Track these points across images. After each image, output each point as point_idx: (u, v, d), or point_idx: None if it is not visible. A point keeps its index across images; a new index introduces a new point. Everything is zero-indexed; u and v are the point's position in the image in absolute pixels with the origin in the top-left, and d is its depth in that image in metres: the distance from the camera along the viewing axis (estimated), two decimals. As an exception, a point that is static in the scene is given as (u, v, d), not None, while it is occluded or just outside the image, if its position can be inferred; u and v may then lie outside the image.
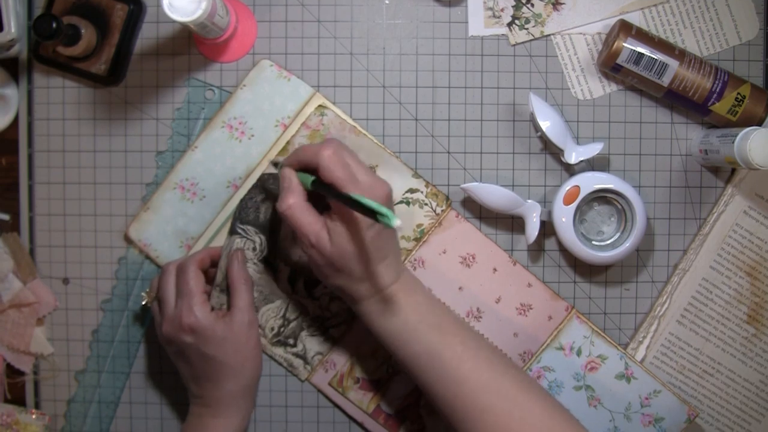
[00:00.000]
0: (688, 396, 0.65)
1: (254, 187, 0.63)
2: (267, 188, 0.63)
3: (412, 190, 0.64)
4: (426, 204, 0.63)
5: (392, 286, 0.54)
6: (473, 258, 0.64)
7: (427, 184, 0.63)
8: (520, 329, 0.64)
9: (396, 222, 0.47)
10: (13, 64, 0.64)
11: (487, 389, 0.52)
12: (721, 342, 0.65)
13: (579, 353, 0.64)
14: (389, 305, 0.54)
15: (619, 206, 0.63)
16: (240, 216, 0.63)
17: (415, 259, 0.64)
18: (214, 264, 0.61)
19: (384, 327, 0.55)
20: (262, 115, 0.63)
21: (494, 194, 0.61)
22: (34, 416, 0.65)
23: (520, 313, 0.64)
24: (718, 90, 0.60)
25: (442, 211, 0.64)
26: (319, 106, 0.63)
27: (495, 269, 0.64)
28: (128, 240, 0.64)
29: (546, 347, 0.64)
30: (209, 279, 0.60)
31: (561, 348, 0.64)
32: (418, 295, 0.56)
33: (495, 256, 0.64)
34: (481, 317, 0.64)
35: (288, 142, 0.63)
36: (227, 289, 0.59)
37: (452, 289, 0.64)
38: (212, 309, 0.57)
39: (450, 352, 0.53)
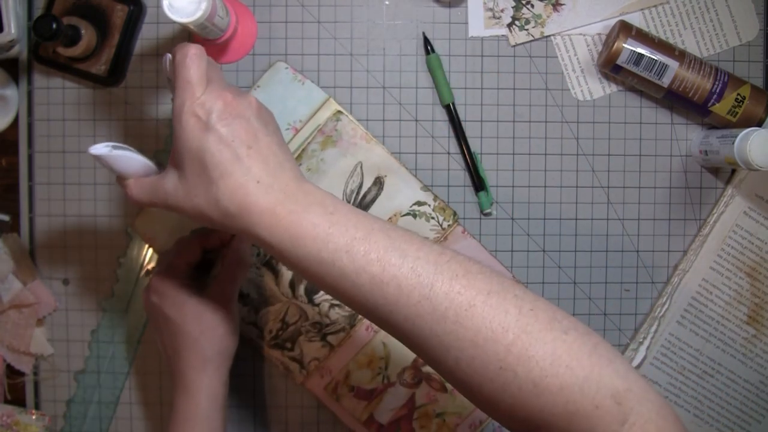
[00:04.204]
0: (688, 396, 0.65)
1: None
2: None
3: (419, 203, 0.63)
4: (433, 218, 0.63)
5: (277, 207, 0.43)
6: None
7: (435, 198, 0.63)
8: None
9: None
10: (13, 64, 0.64)
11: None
12: (721, 343, 0.65)
13: None
14: (281, 231, 0.43)
15: None
16: None
17: None
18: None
19: (288, 259, 0.44)
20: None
21: (131, 162, 0.50)
22: (34, 417, 0.65)
23: None
24: (718, 91, 0.60)
25: (448, 226, 0.63)
26: (338, 111, 0.63)
27: None
28: (135, 230, 0.64)
29: None
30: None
31: None
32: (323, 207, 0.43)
33: None
34: None
35: (303, 150, 0.63)
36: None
37: None
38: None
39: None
